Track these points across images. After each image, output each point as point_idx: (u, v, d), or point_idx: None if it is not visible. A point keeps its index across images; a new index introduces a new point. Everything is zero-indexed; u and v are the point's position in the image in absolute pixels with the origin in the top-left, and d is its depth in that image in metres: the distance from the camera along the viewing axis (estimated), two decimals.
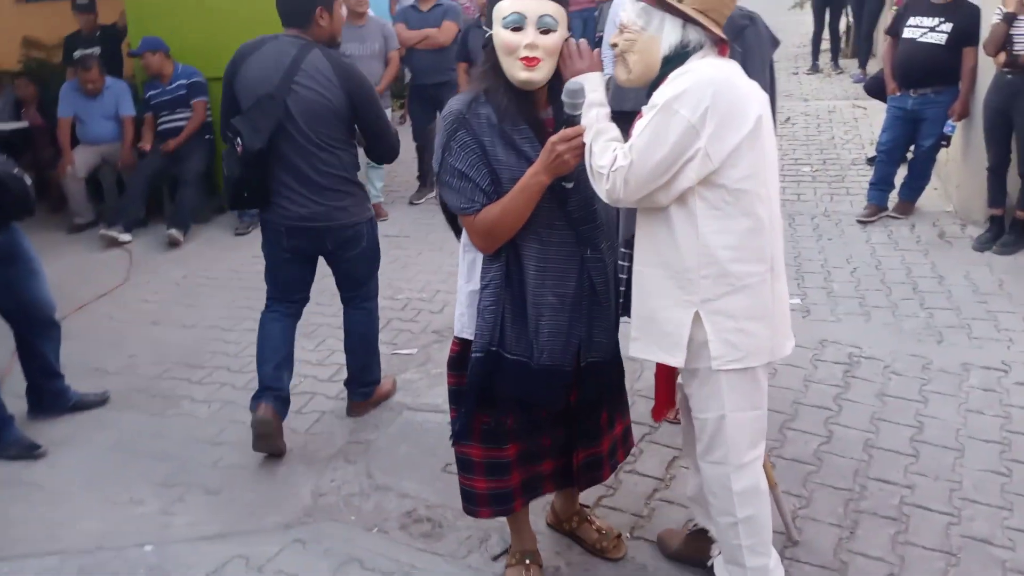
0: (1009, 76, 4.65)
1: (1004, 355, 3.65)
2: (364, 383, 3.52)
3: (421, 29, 6.36)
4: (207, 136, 6.29)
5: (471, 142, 2.00)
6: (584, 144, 1.93)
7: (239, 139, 3.01)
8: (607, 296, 2.15)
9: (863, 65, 9.49)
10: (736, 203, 1.92)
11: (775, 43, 3.10)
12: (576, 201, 2.05)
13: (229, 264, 5.47)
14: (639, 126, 1.91)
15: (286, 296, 3.49)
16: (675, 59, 1.94)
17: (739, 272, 1.95)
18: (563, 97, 1.91)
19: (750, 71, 2.85)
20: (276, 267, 3.44)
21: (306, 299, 3.55)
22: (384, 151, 3.34)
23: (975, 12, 5.03)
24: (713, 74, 1.88)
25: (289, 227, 3.22)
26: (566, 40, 2.00)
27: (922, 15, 5.16)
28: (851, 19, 10.19)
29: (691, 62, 1.93)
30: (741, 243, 1.94)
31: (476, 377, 2.14)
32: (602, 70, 2.04)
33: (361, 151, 3.34)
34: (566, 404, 2.21)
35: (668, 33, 1.93)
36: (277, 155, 3.06)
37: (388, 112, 6.38)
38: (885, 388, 3.44)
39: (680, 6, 1.91)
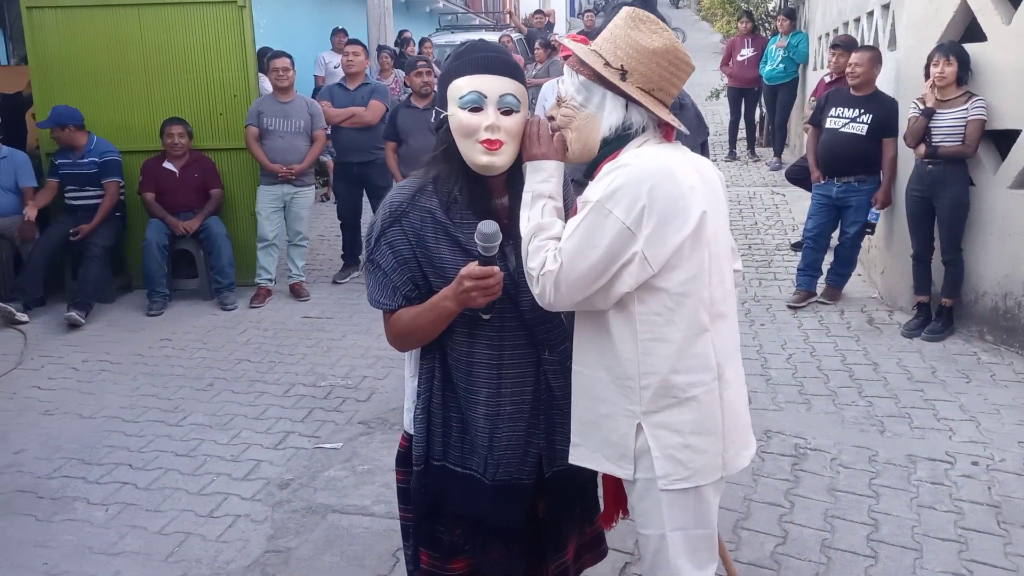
0: (929, 167, 4.78)
1: (947, 446, 3.60)
2: None
3: (347, 107, 6.24)
4: (117, 213, 5.94)
5: (401, 242, 1.80)
6: (497, 284, 1.71)
7: None
8: (567, 400, 1.89)
9: (778, 153, 9.83)
10: (678, 308, 1.73)
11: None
12: (529, 299, 1.81)
13: (134, 348, 5.07)
14: (570, 225, 1.72)
15: None
16: (615, 141, 1.77)
17: (682, 383, 1.74)
18: (476, 237, 1.66)
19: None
20: None
21: None
22: None
23: (893, 104, 5.22)
24: (651, 167, 1.68)
25: None
26: (527, 120, 1.83)
27: (843, 106, 5.32)
28: (764, 110, 10.61)
29: (630, 149, 1.76)
30: (683, 351, 1.74)
31: (418, 491, 1.91)
32: (564, 154, 1.85)
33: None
34: (528, 518, 1.97)
35: (609, 113, 1.76)
36: None
37: (312, 190, 6.20)
38: (835, 482, 3.33)
39: (623, 85, 1.73)
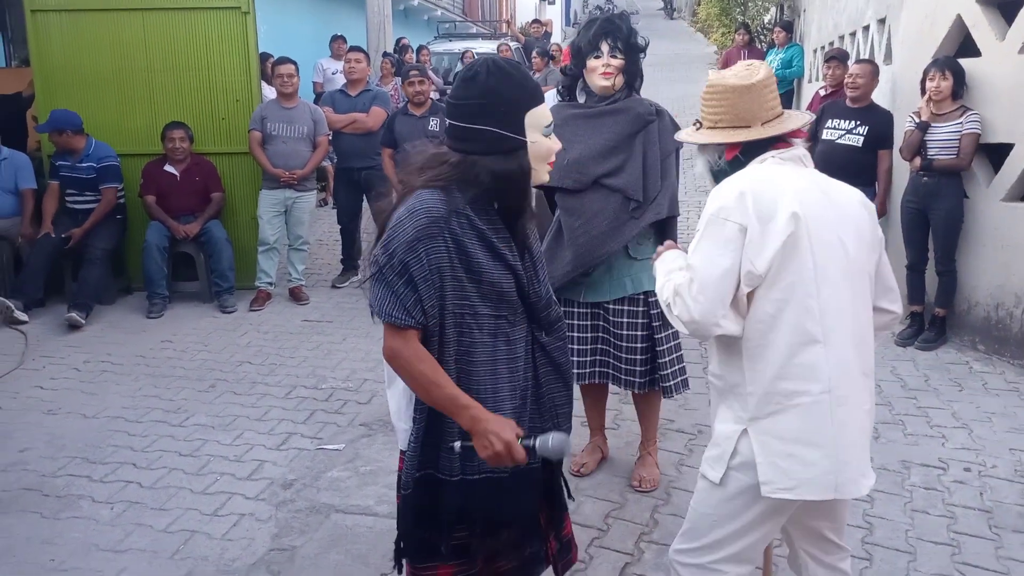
0: (925, 179, 4.86)
1: (940, 452, 3.66)
2: None
3: (349, 113, 6.30)
4: (118, 216, 5.98)
5: (440, 248, 1.80)
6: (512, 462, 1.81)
7: None
8: (561, 380, 2.04)
9: None
10: (780, 315, 1.83)
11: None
12: (537, 291, 1.97)
13: (136, 349, 5.10)
14: (692, 246, 1.93)
15: None
16: (720, 173, 2.03)
17: (786, 390, 1.83)
18: (546, 448, 1.78)
19: (649, 162, 2.98)
20: None
21: None
22: None
23: (888, 117, 5.30)
24: (747, 177, 1.90)
25: None
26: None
27: (839, 118, 5.40)
28: None
29: (751, 165, 1.97)
30: (787, 360, 1.83)
31: (423, 506, 1.94)
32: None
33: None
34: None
35: (699, 163, 2.09)
36: None
37: (313, 195, 6.25)
38: None
39: (696, 136, 2.04)
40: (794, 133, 2.01)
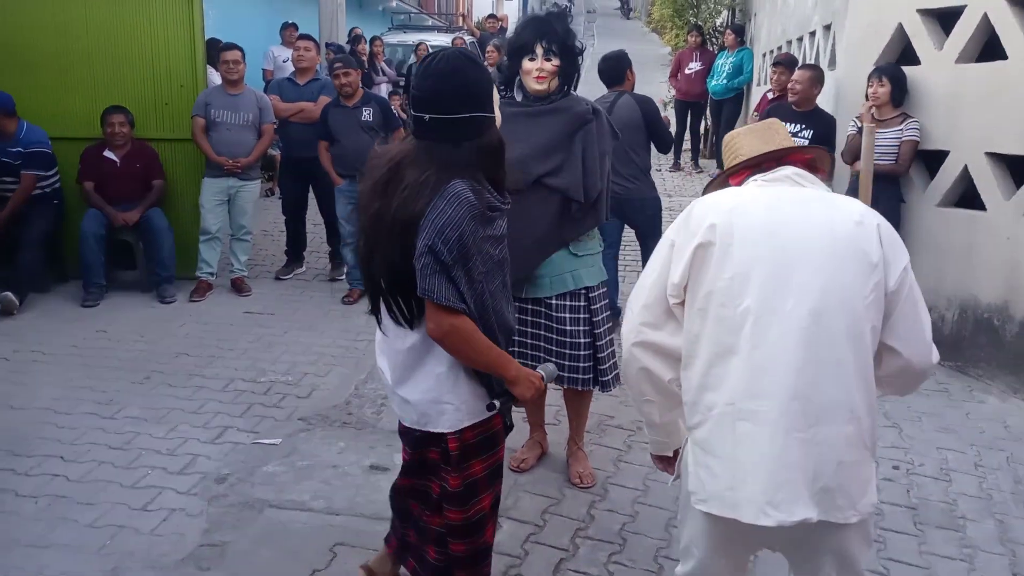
0: None
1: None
2: None
3: (296, 102, 6.20)
4: (55, 200, 5.80)
5: (483, 240, 2.03)
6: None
7: None
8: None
9: (721, 166, 10.03)
10: (703, 326, 1.84)
11: (615, 136, 3.33)
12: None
13: (69, 339, 4.96)
14: None
15: (608, 247, 4.56)
16: None
17: (706, 401, 1.83)
18: (551, 381, 2.29)
19: (588, 162, 3.01)
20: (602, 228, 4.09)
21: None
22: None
23: (832, 121, 5.40)
24: (703, 199, 1.95)
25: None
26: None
27: (785, 120, 5.46)
28: (710, 122, 10.84)
29: None
30: (707, 369, 1.83)
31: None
32: None
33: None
34: None
35: None
36: None
37: (257, 184, 6.15)
38: None
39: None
40: (783, 158, 1.99)
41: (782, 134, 2.05)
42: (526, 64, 3.06)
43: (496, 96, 2.09)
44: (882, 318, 1.82)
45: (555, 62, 3.03)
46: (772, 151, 2.00)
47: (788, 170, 1.96)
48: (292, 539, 3.00)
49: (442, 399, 2.14)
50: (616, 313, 5.08)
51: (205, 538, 3.01)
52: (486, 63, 10.99)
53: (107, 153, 5.74)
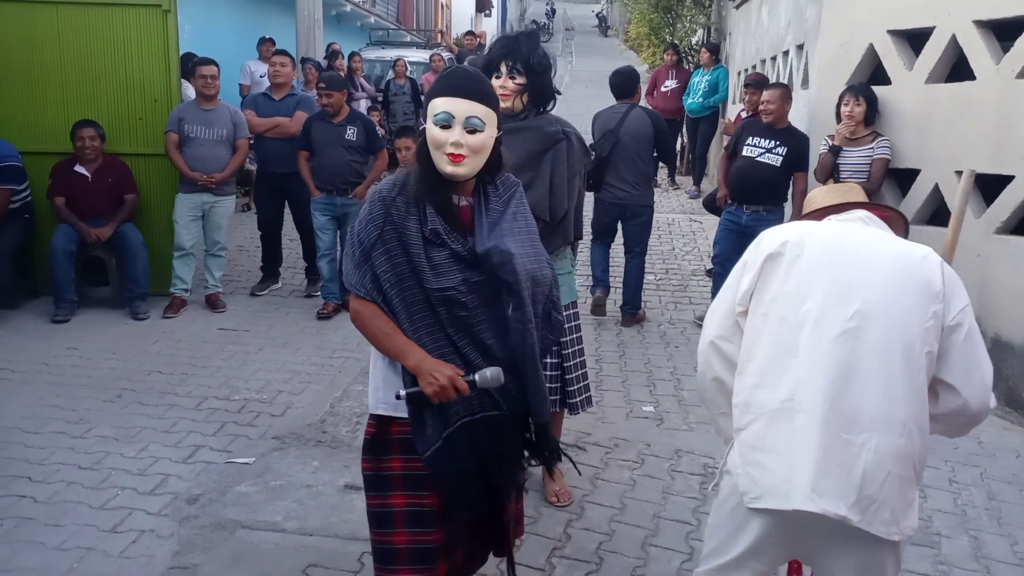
0: None
1: None
2: (634, 306, 5.76)
3: (272, 117, 6.18)
4: (26, 215, 5.72)
5: (388, 221, 2.04)
6: (453, 395, 2.01)
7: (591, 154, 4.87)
8: (528, 363, 2.10)
9: (697, 183, 10.14)
10: (763, 327, 1.96)
11: (587, 155, 3.37)
12: (488, 242, 2.05)
13: (38, 356, 4.88)
14: None
15: (603, 238, 5.93)
16: None
17: (761, 400, 1.92)
18: (481, 380, 2.01)
19: (556, 181, 3.01)
20: (598, 224, 5.90)
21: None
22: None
23: (804, 140, 5.45)
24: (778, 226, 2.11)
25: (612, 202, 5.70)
26: None
27: (759, 136, 5.52)
28: (686, 140, 10.94)
29: None
30: (764, 368, 1.93)
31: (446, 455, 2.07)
32: None
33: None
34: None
35: None
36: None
37: (232, 200, 6.10)
38: None
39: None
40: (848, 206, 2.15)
41: (860, 193, 2.22)
42: (493, 82, 3.07)
43: (432, 107, 2.05)
44: (938, 349, 1.90)
45: (519, 80, 3.05)
46: (852, 201, 2.16)
47: (862, 212, 2.12)
48: (264, 561, 2.95)
49: (374, 382, 2.20)
50: (605, 287, 5.90)
51: (175, 560, 2.95)
52: None
53: (78, 168, 5.67)
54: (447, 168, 2.01)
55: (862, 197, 2.21)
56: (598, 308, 5.85)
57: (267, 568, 2.91)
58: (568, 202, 3.12)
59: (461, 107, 2.01)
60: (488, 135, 2.05)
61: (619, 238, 6.01)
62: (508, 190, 2.19)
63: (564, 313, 3.20)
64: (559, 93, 3.27)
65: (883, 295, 1.89)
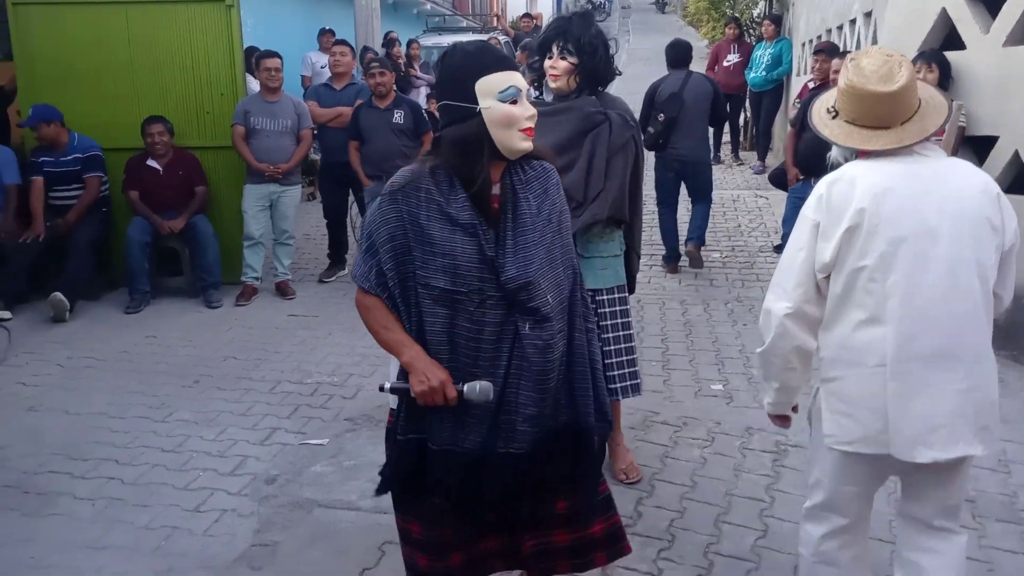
0: None
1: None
2: (701, 240, 6.39)
3: (333, 107, 6.27)
4: (103, 209, 5.94)
5: (395, 219, 1.96)
6: (440, 402, 1.94)
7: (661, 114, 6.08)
8: (548, 380, 1.99)
9: (762, 157, 9.93)
10: (847, 296, 2.04)
11: (636, 142, 3.24)
12: (511, 275, 1.92)
13: (119, 345, 5.07)
14: None
15: (669, 201, 6.38)
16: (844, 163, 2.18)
17: (847, 359, 2.05)
18: (472, 395, 1.91)
19: (596, 162, 2.96)
20: (663, 184, 6.39)
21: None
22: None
23: None
24: (837, 175, 2.07)
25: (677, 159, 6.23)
26: None
27: None
28: (749, 114, 10.71)
29: (844, 166, 2.12)
30: (851, 332, 2.04)
31: (396, 463, 2.06)
32: None
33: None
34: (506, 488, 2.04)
35: (833, 148, 2.20)
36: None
37: (298, 189, 6.21)
38: None
39: (823, 129, 2.15)
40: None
41: (915, 91, 2.09)
42: (546, 63, 3.10)
43: (492, 84, 1.91)
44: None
45: (570, 60, 3.03)
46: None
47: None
48: (341, 538, 3.03)
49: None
50: (676, 256, 6.41)
51: (256, 538, 3.05)
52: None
53: (150, 162, 5.85)
54: (522, 144, 1.94)
55: (915, 98, 2.09)
56: (675, 270, 6.36)
57: (344, 545, 2.98)
58: (606, 181, 3.07)
59: (519, 80, 1.94)
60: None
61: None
62: (541, 178, 2.06)
63: (610, 296, 3.19)
64: (619, 73, 3.23)
65: (958, 248, 1.99)
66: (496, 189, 2.00)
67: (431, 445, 2.01)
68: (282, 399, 4.26)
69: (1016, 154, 4.64)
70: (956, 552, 2.18)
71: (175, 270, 6.11)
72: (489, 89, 1.91)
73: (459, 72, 1.94)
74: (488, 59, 1.94)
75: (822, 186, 2.08)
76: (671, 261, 6.38)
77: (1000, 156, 4.71)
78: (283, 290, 6.05)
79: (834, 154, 2.21)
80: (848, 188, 2.03)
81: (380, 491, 2.12)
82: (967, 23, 4.89)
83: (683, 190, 6.47)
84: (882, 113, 2.04)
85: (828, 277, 2.07)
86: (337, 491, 3.36)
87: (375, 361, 4.73)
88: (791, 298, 2.08)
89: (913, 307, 1.98)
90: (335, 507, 3.24)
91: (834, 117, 2.14)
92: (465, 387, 1.92)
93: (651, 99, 6.31)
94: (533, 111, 1.94)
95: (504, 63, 1.94)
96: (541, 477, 2.06)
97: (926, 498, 2.16)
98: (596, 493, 2.20)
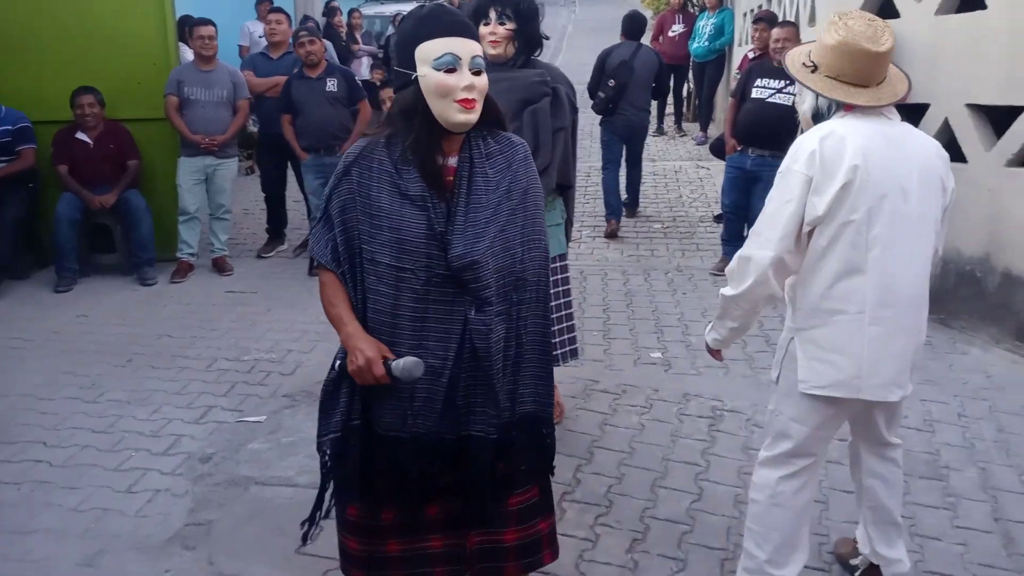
0: None
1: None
2: (636, 203, 7.07)
3: (271, 77, 6.12)
4: (30, 184, 5.72)
5: (347, 191, 1.91)
6: (372, 381, 1.87)
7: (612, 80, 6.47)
8: (491, 363, 1.91)
9: (704, 128, 10.00)
10: (830, 248, 2.15)
11: (575, 111, 3.27)
12: (458, 253, 1.85)
13: (49, 325, 4.91)
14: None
15: (613, 164, 6.71)
16: (820, 116, 2.27)
17: (828, 308, 2.19)
18: (400, 372, 1.83)
19: (542, 136, 2.96)
20: (610, 148, 6.74)
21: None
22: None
23: None
24: (824, 131, 2.16)
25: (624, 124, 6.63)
26: None
27: (768, 77, 5.42)
28: (692, 85, 10.76)
29: (829, 121, 2.21)
30: (832, 283, 2.17)
31: (334, 460, 1.98)
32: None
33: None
34: (459, 476, 1.97)
35: (807, 100, 2.30)
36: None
37: (235, 162, 6.07)
38: (749, 441, 3.45)
39: (810, 78, 2.24)
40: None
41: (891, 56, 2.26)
42: (482, 29, 2.99)
43: (427, 51, 1.82)
44: None
45: (509, 26, 2.99)
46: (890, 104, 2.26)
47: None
48: (278, 515, 2.99)
49: None
50: (619, 216, 6.70)
51: (191, 517, 3.00)
52: None
53: (79, 135, 5.65)
54: (459, 117, 1.82)
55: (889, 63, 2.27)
56: (613, 235, 6.55)
57: (281, 522, 2.94)
58: (552, 154, 3.07)
59: (464, 47, 1.82)
60: (486, 75, 1.88)
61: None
62: (506, 151, 1.96)
63: (553, 264, 3.19)
64: (547, 38, 3.20)
65: (922, 207, 2.19)
66: (454, 161, 1.92)
67: (377, 430, 1.96)
68: (219, 377, 4.18)
69: (946, 121, 4.74)
70: (900, 473, 2.50)
71: (107, 247, 5.93)
72: (426, 56, 1.82)
73: (406, 36, 1.87)
74: (434, 24, 1.84)
75: (812, 142, 2.14)
76: (614, 217, 6.67)
77: (931, 124, 4.80)
78: (220, 266, 5.92)
79: (817, 105, 2.27)
80: (839, 144, 2.12)
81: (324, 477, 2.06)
82: None
83: None
84: (866, 71, 2.19)
85: (812, 231, 2.16)
86: (275, 468, 3.31)
87: (315, 337, 4.67)
88: (776, 248, 2.15)
89: (891, 258, 2.15)
90: (272, 484, 3.20)
91: (813, 71, 2.24)
92: (392, 363, 1.84)
93: (602, 64, 6.73)
94: (472, 81, 1.81)
95: (453, 28, 1.84)
96: (495, 469, 1.98)
97: (879, 428, 2.40)
98: (550, 487, 2.16)
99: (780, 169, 2.21)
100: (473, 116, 1.84)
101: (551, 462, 2.14)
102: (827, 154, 2.12)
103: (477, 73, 1.84)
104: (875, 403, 2.28)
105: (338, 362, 1.97)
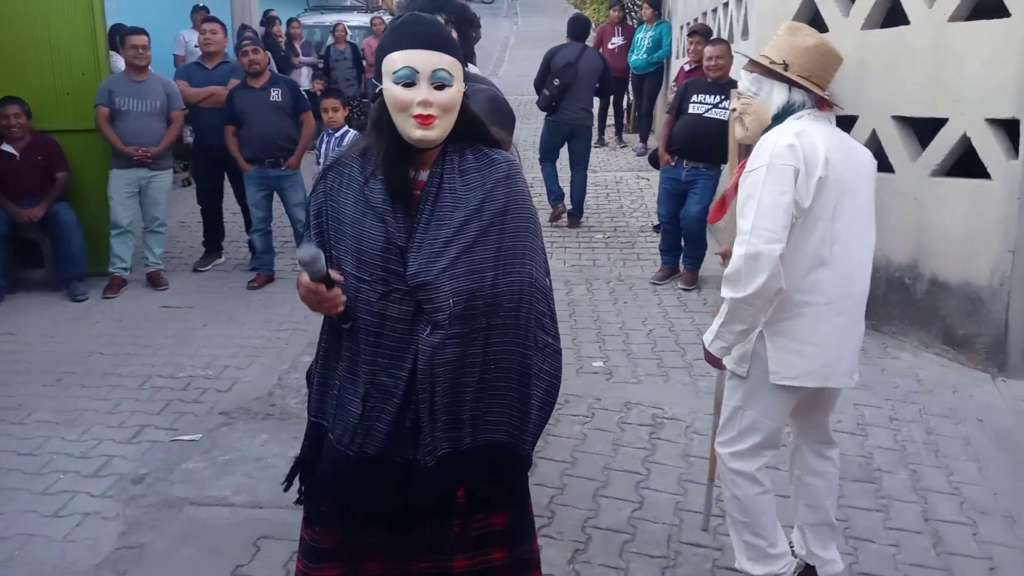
0: None
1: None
2: (580, 211, 7.12)
3: (205, 87, 6.01)
4: None
5: (320, 199, 1.88)
6: (330, 302, 1.74)
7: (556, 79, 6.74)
8: (449, 386, 1.81)
9: (644, 139, 10.14)
10: (803, 241, 2.24)
11: (511, 119, 3.22)
12: (414, 270, 1.77)
13: None
14: (749, 201, 2.23)
15: (550, 157, 6.99)
16: (782, 115, 2.34)
17: (798, 301, 2.28)
18: (300, 264, 1.71)
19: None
20: (549, 144, 7.02)
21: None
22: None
23: None
24: (798, 127, 2.25)
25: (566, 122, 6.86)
26: None
27: (704, 92, 5.53)
28: (632, 97, 10.90)
29: (789, 121, 2.30)
30: (803, 276, 2.26)
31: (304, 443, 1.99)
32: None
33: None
34: (405, 503, 1.88)
35: (776, 96, 2.35)
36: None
37: (170, 174, 5.94)
38: (689, 448, 3.49)
39: (787, 74, 2.32)
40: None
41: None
42: None
43: (388, 64, 1.75)
44: None
45: (453, 33, 2.99)
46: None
47: (827, 112, 2.41)
48: (214, 536, 2.92)
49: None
50: (561, 198, 7.15)
51: (122, 541, 2.91)
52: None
53: (5, 147, 5.47)
54: (415, 133, 1.73)
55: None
56: (558, 218, 7.07)
57: (217, 542, 2.87)
58: None
59: (425, 59, 1.72)
60: (457, 90, 1.77)
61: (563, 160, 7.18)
62: (484, 169, 1.85)
63: None
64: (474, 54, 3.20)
65: (867, 202, 2.35)
66: (425, 175, 1.84)
67: (330, 435, 1.88)
68: (152, 395, 4.07)
69: (874, 132, 4.89)
70: (836, 475, 2.60)
71: (35, 262, 5.74)
72: (388, 68, 1.75)
73: (380, 46, 1.81)
74: (399, 36, 1.77)
75: (789, 136, 2.22)
76: (557, 202, 7.12)
77: (859, 135, 4.94)
78: (155, 280, 5.77)
79: (790, 101, 2.33)
80: (813, 140, 2.24)
81: (288, 477, 2.04)
82: (829, 6, 5.10)
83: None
84: (831, 75, 2.37)
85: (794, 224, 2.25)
86: (210, 487, 3.24)
87: (252, 352, 4.59)
88: (782, 239, 2.19)
89: (849, 252, 2.28)
90: (208, 504, 3.12)
91: (785, 70, 2.33)
92: (302, 268, 1.71)
93: (548, 64, 7.01)
94: (429, 96, 1.71)
95: (416, 41, 1.75)
96: (446, 495, 1.88)
97: (819, 420, 2.53)
98: (525, 517, 2.03)
99: (757, 164, 2.23)
100: (431, 133, 1.74)
101: (517, 491, 2.00)
102: (806, 148, 2.21)
103: (439, 87, 1.74)
104: (833, 390, 2.44)
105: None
